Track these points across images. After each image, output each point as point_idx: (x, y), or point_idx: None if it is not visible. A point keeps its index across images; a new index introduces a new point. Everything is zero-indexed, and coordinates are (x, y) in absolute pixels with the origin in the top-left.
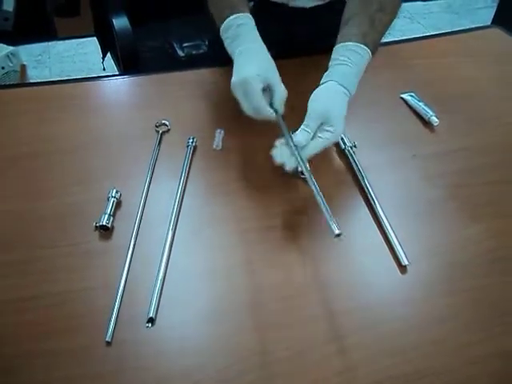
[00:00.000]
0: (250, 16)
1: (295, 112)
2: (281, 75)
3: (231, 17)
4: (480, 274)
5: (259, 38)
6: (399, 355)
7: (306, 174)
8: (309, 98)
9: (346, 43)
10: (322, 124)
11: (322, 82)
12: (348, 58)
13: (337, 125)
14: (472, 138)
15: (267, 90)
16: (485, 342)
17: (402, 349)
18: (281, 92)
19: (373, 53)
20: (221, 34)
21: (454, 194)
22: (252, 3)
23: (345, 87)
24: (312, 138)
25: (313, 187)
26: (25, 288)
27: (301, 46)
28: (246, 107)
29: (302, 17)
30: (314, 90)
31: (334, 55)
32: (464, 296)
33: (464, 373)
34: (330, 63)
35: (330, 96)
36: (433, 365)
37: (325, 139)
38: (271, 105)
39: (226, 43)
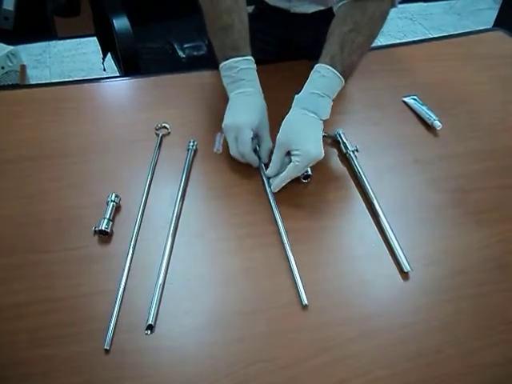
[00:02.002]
0: (252, 59)
1: None
2: (278, 77)
3: (234, 59)
4: (483, 281)
5: (258, 85)
6: (400, 364)
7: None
8: None
9: (315, 65)
10: (290, 150)
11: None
12: (310, 79)
13: (301, 146)
14: (475, 142)
15: (255, 137)
16: (488, 349)
17: (404, 357)
18: (267, 143)
19: (343, 72)
20: (220, 69)
21: (457, 199)
22: (252, 7)
23: (304, 108)
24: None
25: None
26: (21, 293)
27: (299, 51)
28: (234, 150)
29: (301, 22)
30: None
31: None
32: (467, 303)
33: (467, 381)
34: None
35: (289, 122)
36: (435, 374)
37: (295, 163)
38: (255, 150)
39: (225, 82)
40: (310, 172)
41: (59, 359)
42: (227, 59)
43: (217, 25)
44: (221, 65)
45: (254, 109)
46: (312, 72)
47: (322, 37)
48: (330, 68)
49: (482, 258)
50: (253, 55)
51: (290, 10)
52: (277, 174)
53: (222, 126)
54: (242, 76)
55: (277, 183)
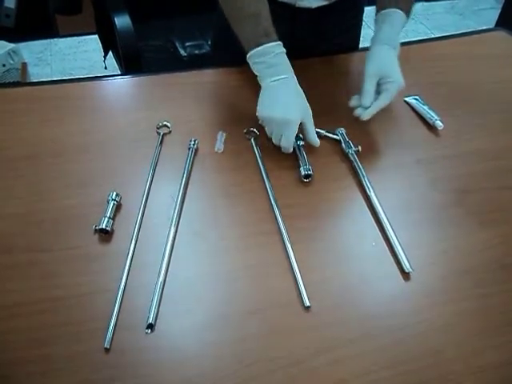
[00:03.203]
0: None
1: None
2: None
3: (268, 44)
4: (486, 282)
5: (292, 70)
6: (402, 365)
7: None
8: (312, 98)
9: (382, 11)
10: (380, 80)
11: (369, 46)
12: (386, 22)
13: (394, 75)
14: (477, 143)
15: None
16: (491, 351)
17: (405, 358)
18: (312, 134)
19: (407, 13)
20: (251, 56)
21: (460, 199)
22: None
23: (386, 44)
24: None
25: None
26: (20, 293)
27: (303, 46)
28: (277, 139)
29: (305, 17)
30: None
31: (375, 23)
32: (470, 304)
33: (468, 382)
34: (374, 29)
35: (378, 56)
36: (437, 375)
37: (388, 91)
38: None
39: (258, 68)
40: (311, 171)
41: (59, 358)
42: (260, 45)
43: (245, 13)
44: (252, 52)
45: (299, 100)
46: (383, 15)
47: (324, 33)
48: (399, 11)
49: (485, 259)
50: None
51: (295, 4)
52: None
53: (266, 116)
54: (277, 61)
55: (370, 111)
